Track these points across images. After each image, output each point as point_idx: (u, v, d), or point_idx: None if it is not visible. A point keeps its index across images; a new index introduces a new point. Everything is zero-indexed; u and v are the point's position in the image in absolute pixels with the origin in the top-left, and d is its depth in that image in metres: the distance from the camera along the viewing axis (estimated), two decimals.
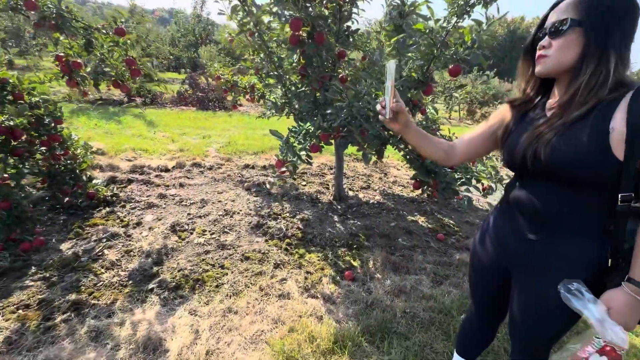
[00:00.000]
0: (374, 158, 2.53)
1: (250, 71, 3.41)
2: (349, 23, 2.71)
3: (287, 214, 2.93)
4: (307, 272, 2.15)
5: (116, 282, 1.88)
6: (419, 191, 2.60)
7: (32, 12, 2.14)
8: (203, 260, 2.16)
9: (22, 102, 2.23)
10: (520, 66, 0.98)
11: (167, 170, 3.74)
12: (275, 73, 2.65)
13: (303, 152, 2.13)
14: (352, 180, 4.11)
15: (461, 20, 1.73)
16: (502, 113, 1.03)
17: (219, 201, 3.08)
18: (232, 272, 2.08)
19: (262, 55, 2.72)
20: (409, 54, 2.04)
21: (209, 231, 2.55)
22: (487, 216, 1.13)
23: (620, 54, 0.76)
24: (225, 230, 2.59)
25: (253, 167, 4.16)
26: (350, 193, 3.65)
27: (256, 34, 2.44)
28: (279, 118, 3.26)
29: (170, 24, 19.47)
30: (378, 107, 0.99)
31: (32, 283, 1.81)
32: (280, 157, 2.10)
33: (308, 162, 2.28)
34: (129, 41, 2.49)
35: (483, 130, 1.06)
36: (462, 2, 1.65)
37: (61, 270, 1.93)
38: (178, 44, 16.53)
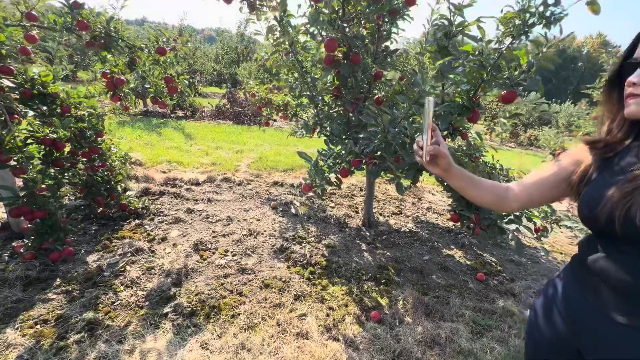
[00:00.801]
0: (407, 182, 2.35)
1: (285, 89, 3.40)
2: (388, 43, 2.60)
3: (312, 239, 2.79)
4: (330, 308, 1.97)
5: (133, 303, 1.83)
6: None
7: (84, 32, 2.27)
8: (222, 284, 2.07)
9: (69, 114, 2.34)
10: (604, 101, 0.80)
11: (197, 184, 3.78)
12: (308, 93, 2.58)
13: (332, 175, 2.01)
14: (383, 204, 3.90)
15: (517, 42, 1.53)
16: (577, 154, 0.84)
17: (245, 219, 3.02)
18: (250, 301, 1.96)
19: (295, 74, 2.67)
20: (454, 76, 1.87)
21: (231, 252, 2.47)
22: (553, 279, 0.91)
23: None
24: (248, 252, 2.49)
25: (282, 185, 4.09)
26: (381, 218, 3.44)
27: (291, 53, 2.40)
28: (311, 137, 3.18)
29: (217, 42, 20.71)
30: (415, 146, 0.85)
31: (54, 296, 1.81)
32: (307, 181, 1.99)
33: (337, 185, 2.15)
34: (169, 59, 2.56)
35: (552, 174, 0.87)
36: (520, 22, 1.46)
37: (83, 285, 1.93)
38: (221, 61, 17.49)
